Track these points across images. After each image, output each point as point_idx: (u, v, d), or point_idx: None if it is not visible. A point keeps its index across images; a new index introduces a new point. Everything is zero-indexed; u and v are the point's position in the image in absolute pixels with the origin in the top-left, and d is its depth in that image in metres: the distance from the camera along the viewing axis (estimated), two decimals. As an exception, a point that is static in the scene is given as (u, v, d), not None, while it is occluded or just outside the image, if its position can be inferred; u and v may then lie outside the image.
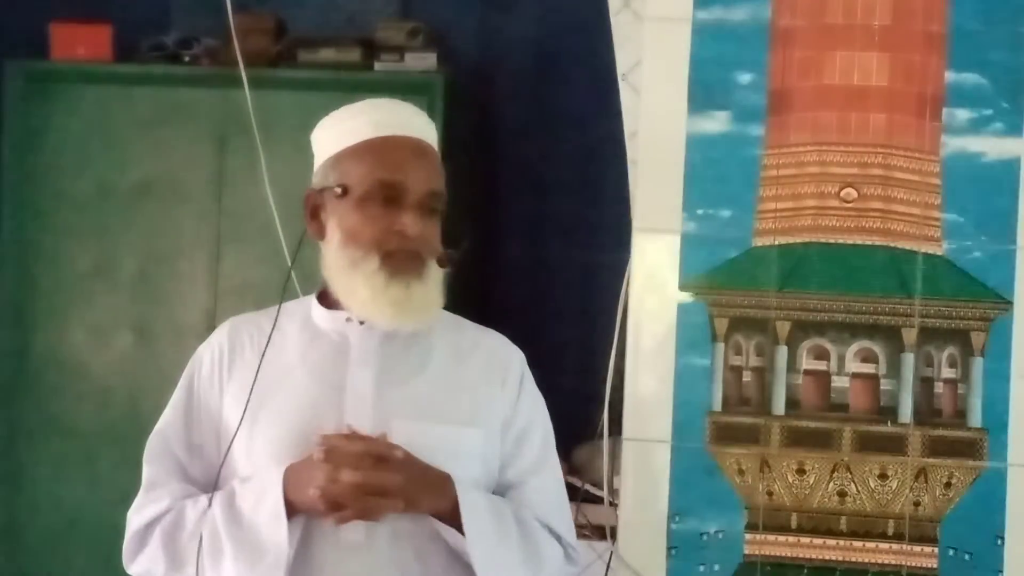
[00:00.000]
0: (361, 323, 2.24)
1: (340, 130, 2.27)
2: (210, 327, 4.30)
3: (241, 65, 3.96)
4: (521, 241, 4.41)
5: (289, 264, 2.28)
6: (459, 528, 2.16)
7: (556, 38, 4.41)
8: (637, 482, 3.27)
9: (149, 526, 2.27)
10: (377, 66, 4.24)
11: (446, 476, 2.17)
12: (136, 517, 2.29)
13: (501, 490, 2.28)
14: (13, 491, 4.35)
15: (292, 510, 2.13)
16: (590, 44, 3.83)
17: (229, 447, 2.21)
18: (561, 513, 2.33)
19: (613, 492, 3.37)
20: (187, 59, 4.34)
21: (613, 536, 3.30)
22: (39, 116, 4.35)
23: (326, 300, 2.30)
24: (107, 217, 4.33)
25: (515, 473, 2.28)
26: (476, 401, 2.26)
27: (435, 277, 2.20)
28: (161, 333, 4.33)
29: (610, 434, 3.39)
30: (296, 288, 3.86)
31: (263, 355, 2.23)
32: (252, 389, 2.20)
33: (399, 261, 2.18)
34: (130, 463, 4.24)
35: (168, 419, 2.32)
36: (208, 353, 2.31)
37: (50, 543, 4.33)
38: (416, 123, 2.28)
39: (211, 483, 2.24)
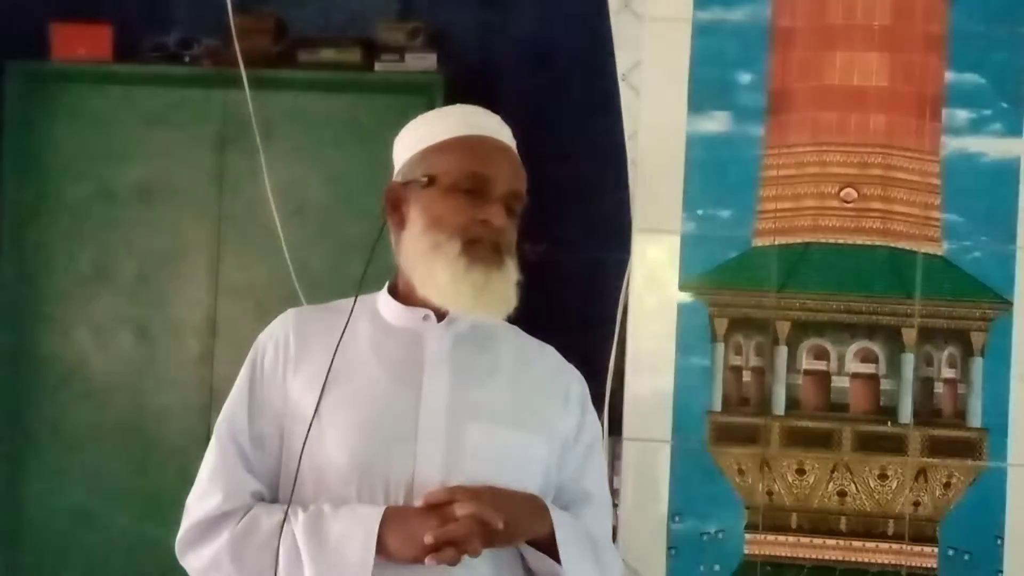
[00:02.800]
0: (439, 320, 2.24)
1: (429, 129, 2.29)
2: (211, 327, 4.34)
3: (241, 65, 3.97)
4: (520, 241, 4.40)
5: (368, 258, 2.26)
6: (544, 550, 2.17)
7: (556, 38, 4.41)
8: (637, 482, 3.27)
9: (213, 523, 2.21)
10: (377, 66, 4.24)
11: (542, 504, 2.19)
12: (196, 507, 2.24)
13: (570, 499, 2.29)
14: (14, 491, 4.35)
15: (381, 550, 2.11)
16: (590, 44, 3.83)
17: (306, 439, 2.17)
18: (611, 532, 2.39)
19: (613, 492, 3.37)
20: (187, 59, 4.34)
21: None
22: (39, 116, 4.35)
23: (396, 295, 2.29)
24: (107, 217, 4.34)
25: (588, 485, 2.30)
26: (541, 411, 2.26)
27: (512, 274, 2.22)
28: (162, 333, 4.33)
29: (610, 434, 3.39)
30: (297, 291, 3.89)
31: (337, 347, 2.20)
32: (326, 381, 2.19)
33: (481, 250, 2.19)
34: (130, 462, 4.31)
35: (232, 408, 2.27)
36: (272, 343, 2.27)
37: (51, 543, 4.34)
38: (503, 132, 2.31)
39: (272, 475, 2.23)
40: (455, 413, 2.19)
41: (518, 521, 2.14)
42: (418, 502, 2.13)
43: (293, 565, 2.14)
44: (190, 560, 2.23)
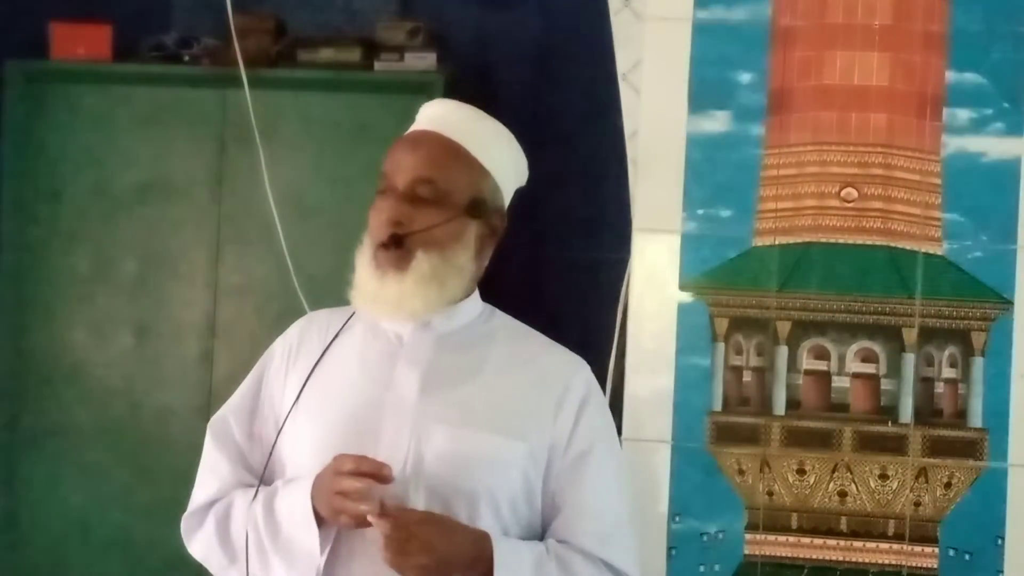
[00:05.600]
0: (426, 324, 2.23)
1: None
2: (210, 327, 4.34)
3: (241, 65, 3.96)
4: (521, 241, 4.40)
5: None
6: None
7: (556, 38, 4.41)
8: (637, 482, 3.26)
9: (202, 510, 2.28)
10: (377, 66, 4.24)
11: (481, 536, 2.12)
12: (193, 497, 2.31)
13: (555, 511, 2.22)
14: (13, 491, 4.35)
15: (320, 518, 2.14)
16: (590, 44, 3.83)
17: (277, 437, 2.22)
18: (623, 543, 2.26)
19: (613, 492, 3.37)
20: (187, 59, 4.34)
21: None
22: (39, 116, 4.35)
23: None
24: (107, 217, 4.34)
25: (572, 496, 2.21)
26: (523, 415, 2.20)
27: (423, 269, 2.17)
28: (161, 333, 4.33)
29: (610, 434, 3.39)
30: (297, 291, 3.89)
31: (324, 350, 2.23)
32: (306, 381, 2.21)
33: (384, 253, 2.17)
34: (129, 462, 4.31)
35: (234, 404, 2.32)
36: (281, 346, 2.32)
37: (49, 542, 4.33)
38: (451, 118, 2.26)
39: (272, 472, 2.26)
40: (422, 415, 2.17)
41: (449, 562, 2.08)
42: (377, 503, 2.10)
43: (259, 546, 2.19)
44: (193, 548, 2.30)
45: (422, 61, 4.22)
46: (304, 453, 2.20)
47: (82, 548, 4.30)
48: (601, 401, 2.30)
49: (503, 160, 2.28)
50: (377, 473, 2.07)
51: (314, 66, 4.28)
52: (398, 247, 2.16)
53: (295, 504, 2.15)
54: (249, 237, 4.24)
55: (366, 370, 2.23)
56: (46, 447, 4.34)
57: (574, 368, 2.28)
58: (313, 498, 2.12)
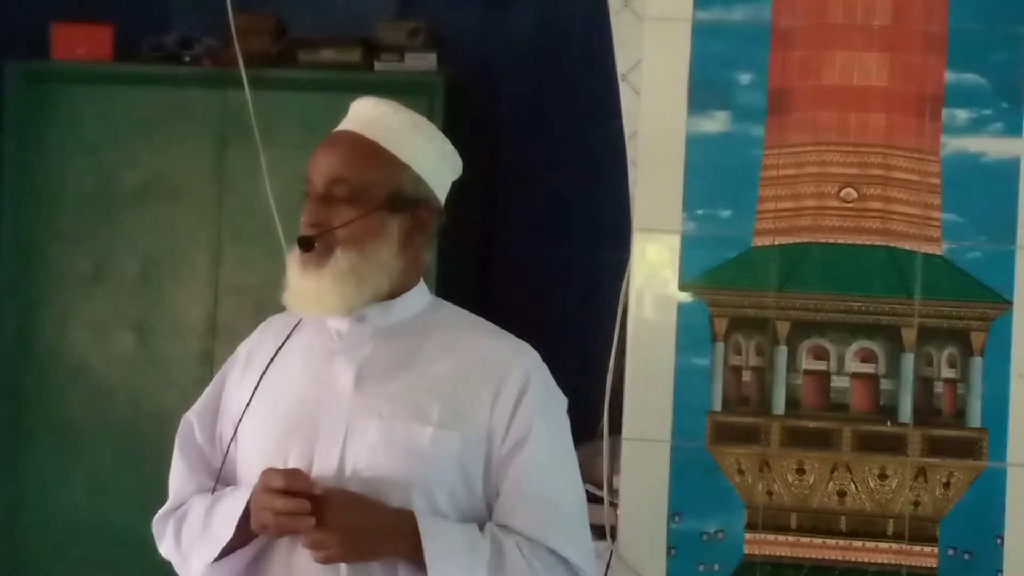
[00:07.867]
0: (361, 319, 2.25)
1: None
2: (211, 327, 4.34)
3: (241, 65, 3.96)
4: (521, 241, 4.41)
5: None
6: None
7: (556, 38, 4.42)
8: (637, 482, 3.27)
9: (167, 515, 2.34)
10: (377, 66, 4.25)
11: (405, 516, 2.14)
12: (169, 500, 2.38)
13: (500, 497, 2.23)
14: (13, 490, 4.36)
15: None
16: (590, 44, 3.84)
17: (231, 439, 2.26)
18: (568, 529, 2.26)
19: (613, 492, 3.37)
20: (187, 59, 4.35)
21: (613, 536, 3.30)
22: (39, 116, 4.35)
23: None
24: (108, 217, 4.34)
25: (511, 484, 2.22)
26: (459, 405, 2.21)
27: (340, 266, 2.19)
28: (162, 333, 4.33)
29: (610, 434, 3.39)
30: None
31: (276, 351, 2.26)
32: (259, 383, 2.25)
33: (305, 253, 2.21)
34: (130, 462, 4.31)
35: (198, 408, 2.38)
36: (244, 349, 2.37)
37: (50, 542, 4.34)
38: (367, 115, 2.28)
39: (230, 473, 2.30)
40: (356, 409, 2.19)
41: (371, 537, 2.11)
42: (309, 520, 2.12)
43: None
44: (163, 550, 2.36)
45: (422, 61, 4.22)
46: (250, 455, 2.24)
47: (82, 546, 4.31)
48: (543, 386, 2.28)
49: (423, 151, 2.27)
50: (306, 492, 2.10)
51: (314, 66, 4.28)
52: (308, 249, 2.19)
53: (228, 516, 2.20)
54: (249, 237, 4.25)
55: (307, 368, 2.26)
56: (46, 446, 4.34)
57: (515, 355, 2.27)
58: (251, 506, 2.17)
